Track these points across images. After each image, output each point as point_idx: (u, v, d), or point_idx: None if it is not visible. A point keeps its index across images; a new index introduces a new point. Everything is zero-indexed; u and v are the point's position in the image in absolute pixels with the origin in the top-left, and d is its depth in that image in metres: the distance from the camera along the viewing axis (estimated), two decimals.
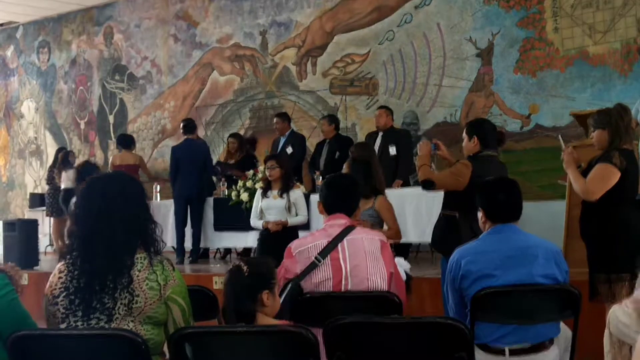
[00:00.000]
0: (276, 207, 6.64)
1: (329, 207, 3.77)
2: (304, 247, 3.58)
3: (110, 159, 11.02)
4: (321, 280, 3.46)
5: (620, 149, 4.47)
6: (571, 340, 3.44)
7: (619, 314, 2.84)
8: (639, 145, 6.18)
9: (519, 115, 9.34)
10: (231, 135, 10.26)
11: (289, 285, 3.40)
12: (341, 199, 3.78)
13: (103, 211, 2.64)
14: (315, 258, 3.46)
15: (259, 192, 6.86)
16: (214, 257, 9.88)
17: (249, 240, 8.09)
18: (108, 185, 2.72)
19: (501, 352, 3.28)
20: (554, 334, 3.38)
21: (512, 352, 3.27)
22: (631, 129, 4.74)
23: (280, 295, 3.15)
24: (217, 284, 6.80)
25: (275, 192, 6.67)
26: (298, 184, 7.14)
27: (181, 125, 9.63)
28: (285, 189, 6.64)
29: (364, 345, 2.73)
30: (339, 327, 2.66)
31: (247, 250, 8.59)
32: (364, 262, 3.49)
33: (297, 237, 6.62)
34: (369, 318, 2.93)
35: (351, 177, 4.37)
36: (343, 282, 3.47)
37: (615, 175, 4.38)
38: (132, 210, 2.66)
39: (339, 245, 3.51)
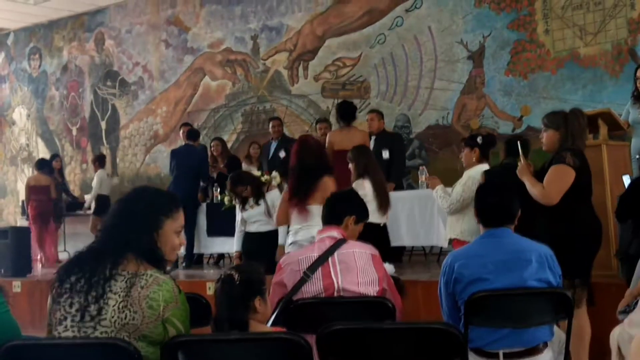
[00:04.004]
0: (256, 214, 6.67)
1: (322, 220, 3.82)
2: (294, 259, 3.57)
3: (26, 180, 11.49)
4: (313, 295, 3.43)
5: (571, 149, 4.43)
6: (565, 343, 3.44)
7: (623, 337, 2.81)
8: (631, 147, 6.20)
9: (510, 117, 9.36)
10: (214, 139, 10.32)
11: (280, 305, 3.38)
12: (332, 210, 3.81)
13: (107, 220, 2.71)
14: (304, 273, 3.43)
15: (238, 206, 6.87)
16: (207, 262, 9.87)
17: None
18: (125, 195, 2.79)
19: (495, 356, 3.27)
20: (548, 337, 3.37)
21: (506, 356, 3.26)
22: (586, 133, 4.69)
23: (272, 314, 3.17)
24: (211, 289, 6.79)
25: (251, 201, 6.71)
26: (273, 184, 7.12)
27: (186, 130, 9.74)
28: (258, 196, 6.68)
29: (358, 351, 2.71)
30: (332, 333, 2.64)
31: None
32: (355, 277, 3.45)
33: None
34: (362, 324, 2.92)
35: (347, 190, 4.38)
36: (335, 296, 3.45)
37: (570, 175, 4.34)
38: (130, 220, 2.64)
39: (330, 259, 3.48)
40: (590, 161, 4.72)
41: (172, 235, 2.69)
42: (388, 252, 6.38)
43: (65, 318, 2.54)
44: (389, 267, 4.04)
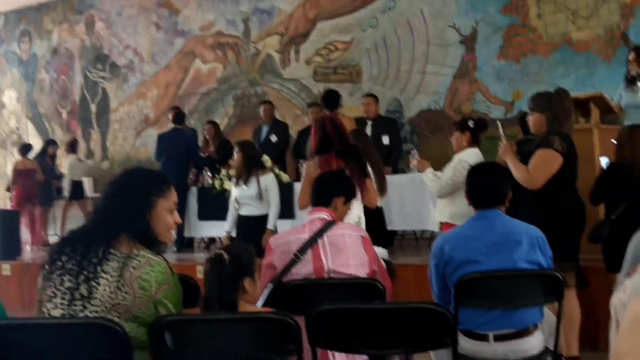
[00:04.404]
0: (248, 195, 6.61)
1: (312, 200, 3.77)
2: (284, 240, 3.54)
3: (13, 164, 11.71)
4: (303, 276, 3.40)
5: (559, 133, 4.41)
6: (555, 325, 3.43)
7: (620, 303, 2.81)
8: None
9: (502, 101, 9.35)
10: (207, 122, 10.24)
11: (270, 287, 3.36)
12: (321, 191, 3.77)
13: (101, 198, 2.69)
14: (295, 255, 3.41)
15: (233, 181, 6.85)
16: (198, 246, 9.84)
17: (233, 230, 8.08)
18: (115, 177, 2.75)
19: (485, 338, 3.26)
20: (538, 319, 3.36)
21: (497, 338, 3.25)
22: (571, 114, 4.66)
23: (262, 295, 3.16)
24: (201, 273, 6.75)
25: (243, 178, 6.64)
26: (268, 169, 7.06)
27: (172, 113, 9.65)
28: (248, 176, 6.58)
29: (347, 332, 2.70)
30: (322, 314, 2.63)
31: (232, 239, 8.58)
32: (345, 259, 3.43)
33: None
34: (352, 304, 2.90)
35: (337, 171, 4.32)
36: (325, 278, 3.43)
37: (557, 161, 4.34)
38: (122, 201, 2.62)
39: (320, 241, 3.46)
40: (581, 144, 4.72)
41: (166, 215, 2.67)
42: (385, 235, 6.35)
43: (55, 295, 2.52)
44: (382, 252, 4.02)
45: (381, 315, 2.73)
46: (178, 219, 2.74)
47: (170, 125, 9.43)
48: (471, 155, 5.52)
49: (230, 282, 2.75)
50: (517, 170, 4.41)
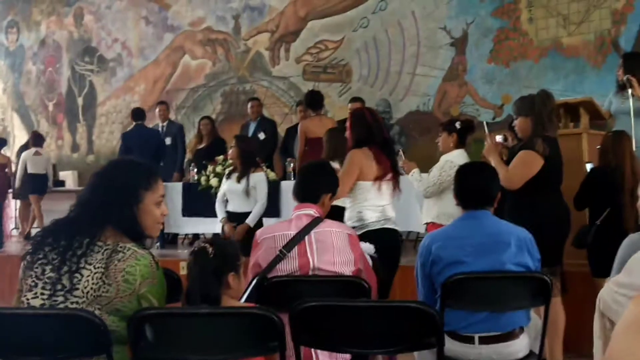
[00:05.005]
0: (236, 191, 6.60)
1: (296, 195, 3.69)
2: (269, 234, 3.48)
3: None
4: (288, 273, 3.36)
5: (544, 136, 4.41)
6: (541, 329, 3.40)
7: (608, 296, 2.80)
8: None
9: (491, 105, 9.33)
10: (204, 117, 10.12)
11: (255, 281, 3.31)
12: (309, 187, 3.69)
13: (86, 189, 2.64)
14: (280, 251, 3.36)
15: (225, 174, 6.84)
16: (182, 242, 9.77)
17: (218, 226, 8.01)
18: (101, 169, 2.70)
19: (470, 340, 3.23)
20: (525, 322, 3.33)
21: (482, 340, 3.22)
22: (555, 117, 4.65)
23: (246, 290, 3.11)
24: (184, 269, 6.69)
25: (236, 174, 6.63)
26: (262, 167, 7.03)
27: (132, 111, 9.56)
28: (243, 173, 6.57)
29: (331, 328, 2.65)
30: (305, 310, 2.57)
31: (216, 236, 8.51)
32: (331, 256, 3.39)
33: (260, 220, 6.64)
34: (336, 301, 2.85)
35: (322, 164, 4.20)
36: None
37: (537, 163, 4.34)
38: (107, 193, 2.57)
39: (306, 238, 3.41)
40: (570, 149, 4.72)
41: (153, 208, 2.63)
42: None
43: (36, 285, 2.48)
44: (369, 247, 3.97)
45: (366, 313, 2.67)
46: (165, 211, 2.70)
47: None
48: (458, 156, 5.51)
49: (214, 276, 2.69)
50: (498, 170, 4.38)
